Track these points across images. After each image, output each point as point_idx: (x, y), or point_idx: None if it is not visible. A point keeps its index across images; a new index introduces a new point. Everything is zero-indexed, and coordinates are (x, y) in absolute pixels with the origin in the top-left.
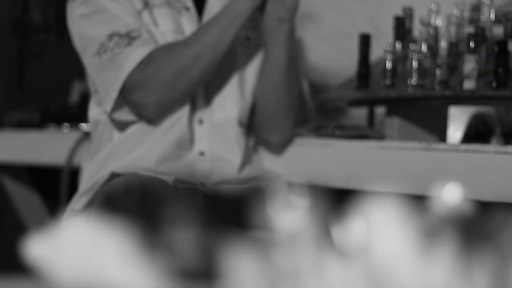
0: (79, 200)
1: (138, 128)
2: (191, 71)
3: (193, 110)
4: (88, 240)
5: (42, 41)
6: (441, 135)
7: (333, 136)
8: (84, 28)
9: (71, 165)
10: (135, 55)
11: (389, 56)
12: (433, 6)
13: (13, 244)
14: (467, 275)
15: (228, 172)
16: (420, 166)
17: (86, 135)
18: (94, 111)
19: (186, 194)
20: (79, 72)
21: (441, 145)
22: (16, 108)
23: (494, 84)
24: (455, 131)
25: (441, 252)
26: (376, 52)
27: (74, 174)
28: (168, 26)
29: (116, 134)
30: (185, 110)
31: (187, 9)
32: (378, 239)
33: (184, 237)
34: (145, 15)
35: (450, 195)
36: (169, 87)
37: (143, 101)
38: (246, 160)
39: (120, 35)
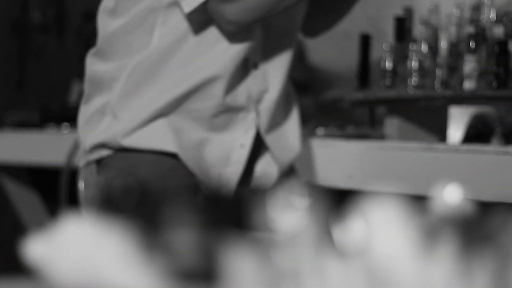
0: (93, 151)
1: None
2: None
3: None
4: (87, 240)
5: (42, 41)
6: (441, 135)
7: (333, 136)
8: None
9: (71, 165)
10: None
11: (389, 56)
12: (433, 6)
13: (12, 245)
14: (467, 275)
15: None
16: (420, 166)
17: None
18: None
19: (186, 194)
20: (79, 72)
21: (441, 145)
22: (16, 108)
23: (494, 84)
24: (455, 131)
25: (441, 252)
26: (376, 52)
27: (73, 174)
28: None
29: (157, 35)
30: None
31: None
32: (378, 239)
33: (184, 237)
34: None
35: (450, 195)
36: (267, 10)
37: (232, 18)
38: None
39: None
